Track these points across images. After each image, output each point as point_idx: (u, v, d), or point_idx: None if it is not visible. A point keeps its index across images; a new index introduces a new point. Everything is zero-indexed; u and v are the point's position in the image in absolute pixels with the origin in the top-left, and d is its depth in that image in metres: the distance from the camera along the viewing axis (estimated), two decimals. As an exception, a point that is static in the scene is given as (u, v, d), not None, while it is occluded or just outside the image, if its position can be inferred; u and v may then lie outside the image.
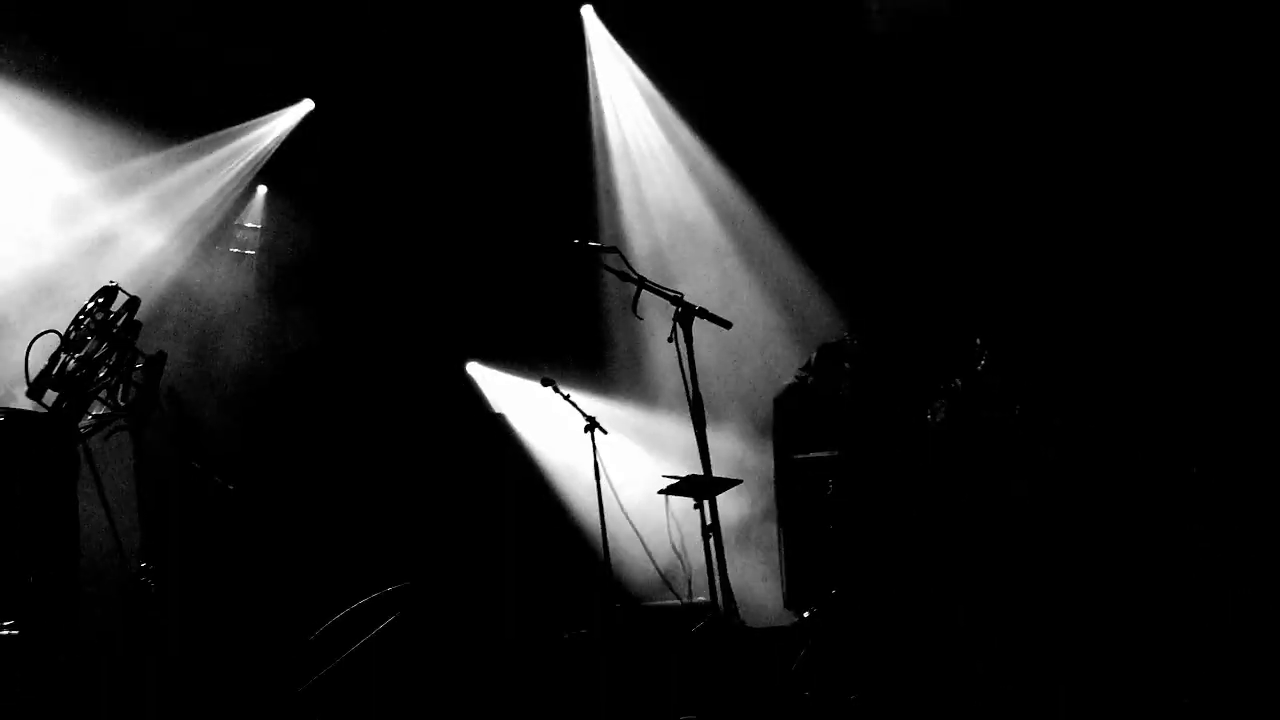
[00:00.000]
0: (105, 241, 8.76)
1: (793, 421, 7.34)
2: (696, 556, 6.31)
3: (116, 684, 5.37)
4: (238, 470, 6.02)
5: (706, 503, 5.97)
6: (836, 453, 6.98)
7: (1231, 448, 6.94)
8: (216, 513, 6.11)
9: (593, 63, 10.21)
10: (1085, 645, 6.04)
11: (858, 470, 6.95)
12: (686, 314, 5.87)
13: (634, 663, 6.30)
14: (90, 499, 4.37)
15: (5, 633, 3.97)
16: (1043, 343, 7.82)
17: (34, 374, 4.29)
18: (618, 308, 9.48)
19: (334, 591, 7.25)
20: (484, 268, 9.80)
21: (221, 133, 9.67)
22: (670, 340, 5.86)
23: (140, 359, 4.59)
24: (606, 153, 10.27)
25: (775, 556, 7.55)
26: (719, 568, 5.78)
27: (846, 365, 7.48)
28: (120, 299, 4.50)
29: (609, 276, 6.24)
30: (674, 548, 7.25)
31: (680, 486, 6.77)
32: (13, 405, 4.33)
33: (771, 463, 7.88)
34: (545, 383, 7.75)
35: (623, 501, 7.30)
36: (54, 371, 4.29)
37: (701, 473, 5.87)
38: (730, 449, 8.35)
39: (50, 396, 4.26)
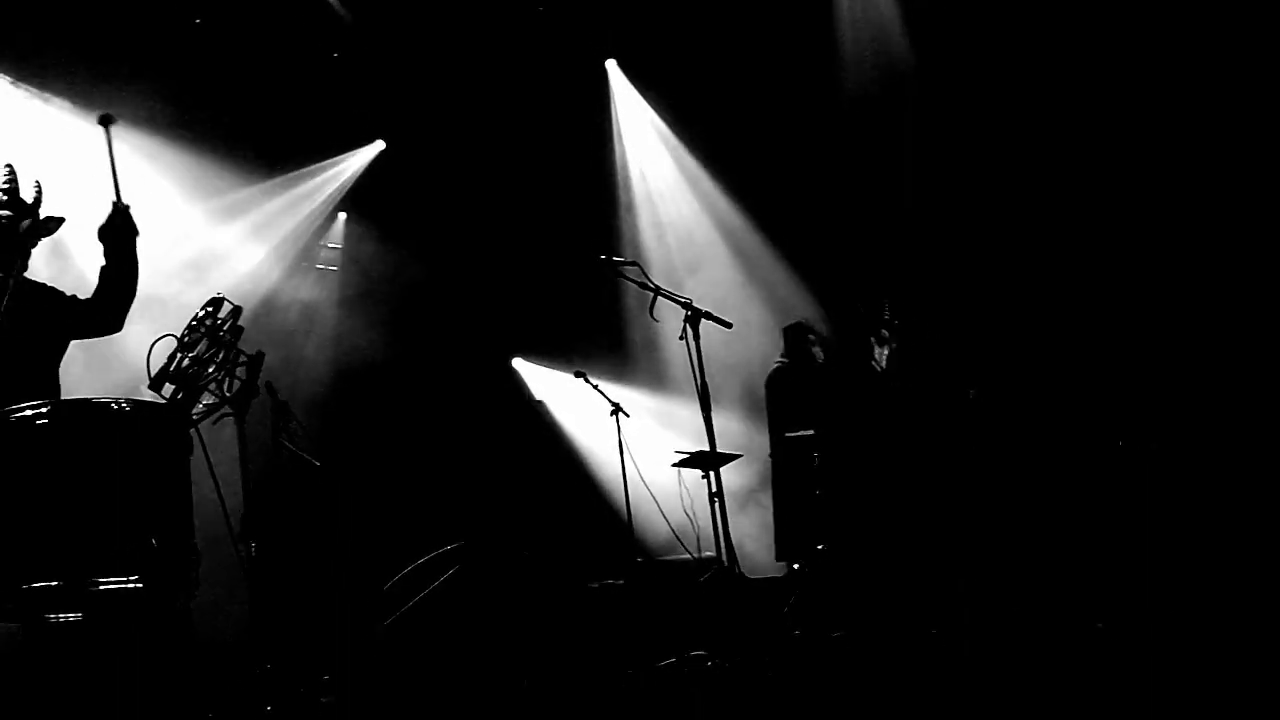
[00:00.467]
0: (213, 259, 8.78)
1: (781, 398, 7.32)
2: (704, 519, 6.31)
3: (225, 625, 5.40)
4: (322, 449, 6.03)
5: (712, 473, 5.98)
6: (818, 431, 6.95)
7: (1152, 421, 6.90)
8: (305, 484, 6.12)
9: (615, 106, 10.20)
10: (1024, 582, 6.03)
11: (836, 442, 6.92)
12: (694, 316, 5.87)
13: (652, 607, 6.30)
14: (201, 473, 4.37)
15: (132, 585, 3.97)
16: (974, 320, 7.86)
17: (154, 371, 4.29)
18: (637, 311, 9.45)
19: (403, 548, 7.28)
20: (526, 279, 9.81)
21: (310, 167, 9.69)
22: (681, 338, 5.86)
23: (242, 357, 4.59)
24: (627, 181, 10.27)
25: (770, 518, 7.53)
26: (723, 528, 5.78)
27: (811, 338, 7.46)
28: (226, 307, 4.49)
29: (630, 286, 6.23)
30: (685, 511, 7.24)
31: (690, 460, 6.77)
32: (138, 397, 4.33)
33: (766, 438, 7.87)
34: (577, 375, 7.76)
35: (642, 473, 7.30)
36: (171, 369, 4.29)
37: (708, 448, 5.87)
38: (731, 428, 8.32)
39: (168, 389, 4.26)
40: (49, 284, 4.85)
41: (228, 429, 4.58)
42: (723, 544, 5.81)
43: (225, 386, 4.50)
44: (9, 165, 4.62)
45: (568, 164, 9.79)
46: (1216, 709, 3.51)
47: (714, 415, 5.86)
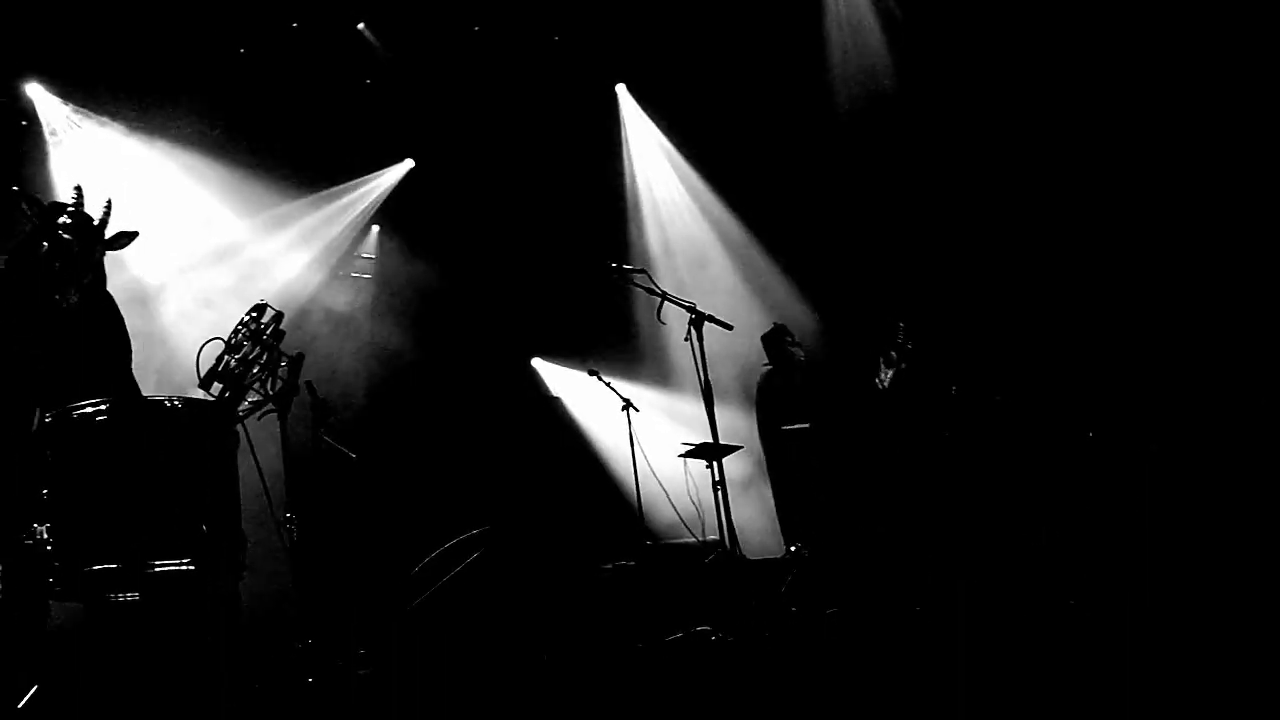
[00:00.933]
0: (257, 268, 8.80)
1: (771, 400, 7.30)
2: (708, 505, 6.30)
3: (270, 604, 5.40)
4: (358, 442, 6.03)
5: (716, 463, 5.96)
6: (809, 425, 6.94)
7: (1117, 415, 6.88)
8: (343, 475, 6.11)
9: (625, 126, 10.19)
10: (1002, 564, 6.00)
11: (826, 435, 6.91)
12: (698, 319, 5.86)
13: (660, 586, 6.28)
14: (247, 465, 4.38)
15: (185, 567, 3.98)
16: (963, 330, 7.82)
17: (204, 371, 4.29)
18: (645, 315, 9.44)
19: (431, 534, 7.27)
20: (543, 285, 9.80)
21: (346, 184, 9.70)
22: (686, 339, 5.85)
23: (284, 359, 4.59)
24: (636, 195, 10.26)
25: (768, 504, 7.52)
26: (725, 513, 5.77)
27: (788, 339, 7.41)
28: (269, 313, 4.50)
29: (639, 291, 6.22)
30: (691, 498, 7.23)
31: (695, 451, 6.76)
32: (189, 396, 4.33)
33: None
34: (591, 373, 7.74)
35: (650, 463, 7.28)
36: (219, 369, 4.30)
37: (711, 440, 5.85)
38: (733, 422, 8.31)
39: (216, 388, 4.27)
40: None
41: (271, 424, 4.58)
42: (725, 528, 5.79)
43: (269, 385, 4.50)
44: (77, 186, 4.60)
45: (581, 180, 9.79)
46: (1182, 675, 3.49)
47: (716, 410, 5.84)
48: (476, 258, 9.83)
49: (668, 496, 7.38)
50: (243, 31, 8.20)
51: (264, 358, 4.42)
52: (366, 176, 9.82)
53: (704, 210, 10.00)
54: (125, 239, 4.60)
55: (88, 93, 8.12)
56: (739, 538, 5.90)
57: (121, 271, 6.82)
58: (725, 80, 9.10)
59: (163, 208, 8.10)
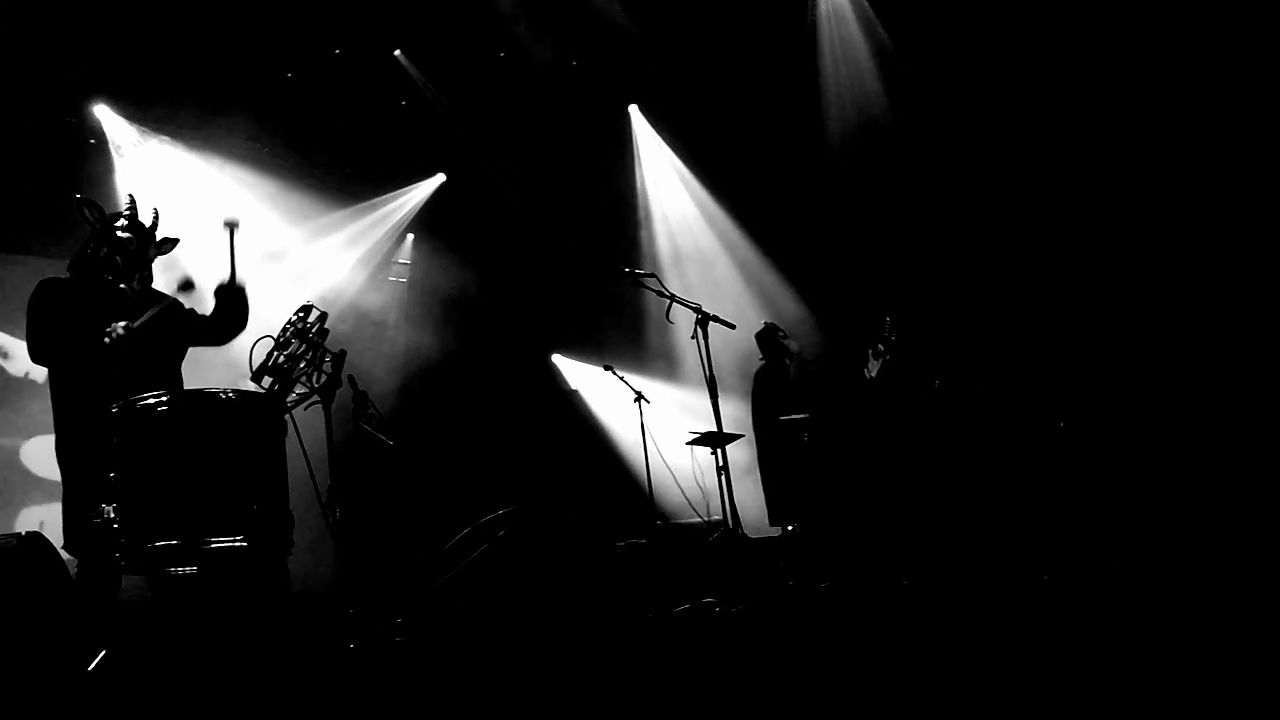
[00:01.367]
0: (305, 272, 8.83)
1: (766, 394, 7.26)
2: (712, 488, 6.30)
3: (316, 577, 5.42)
4: (395, 431, 6.03)
5: (719, 450, 5.96)
6: (805, 415, 6.91)
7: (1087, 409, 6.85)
8: (381, 461, 6.13)
9: (637, 143, 10.20)
10: (981, 542, 5.98)
11: (819, 425, 6.88)
12: (704, 319, 5.85)
13: (668, 562, 6.28)
14: (295, 451, 4.40)
15: (238, 544, 4.00)
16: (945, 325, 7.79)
17: (255, 366, 4.32)
18: (656, 315, 9.45)
19: (461, 514, 7.29)
20: (562, 288, 9.82)
21: (384, 196, 9.73)
22: (693, 338, 5.84)
23: (328, 355, 4.61)
24: (647, 206, 10.26)
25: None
26: (728, 496, 5.77)
27: (780, 334, 7.38)
28: (314, 313, 4.51)
29: (649, 294, 6.22)
30: (696, 482, 7.23)
31: (701, 439, 6.75)
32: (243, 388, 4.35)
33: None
34: (606, 368, 7.74)
35: (660, 450, 7.29)
36: (269, 364, 4.32)
37: (716, 429, 5.85)
38: (735, 412, 8.31)
39: (266, 381, 4.29)
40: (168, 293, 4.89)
41: (316, 415, 4.60)
42: (728, 509, 5.79)
43: (314, 379, 4.52)
44: (130, 195, 4.66)
45: (597, 192, 9.81)
46: (1145, 643, 3.48)
47: (720, 401, 5.83)
48: (502, 263, 9.86)
49: (675, 480, 7.38)
50: (290, 58, 8.24)
51: (310, 354, 4.44)
52: (403, 188, 9.85)
53: (710, 220, 10.00)
54: (170, 244, 4.69)
55: (150, 113, 8.18)
56: (741, 518, 5.90)
57: (173, 272, 6.84)
58: (729, 102, 9.10)
59: (217, 217, 8.13)
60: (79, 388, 4.32)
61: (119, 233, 4.53)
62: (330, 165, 9.04)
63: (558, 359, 10.44)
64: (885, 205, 8.67)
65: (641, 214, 10.22)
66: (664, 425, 7.97)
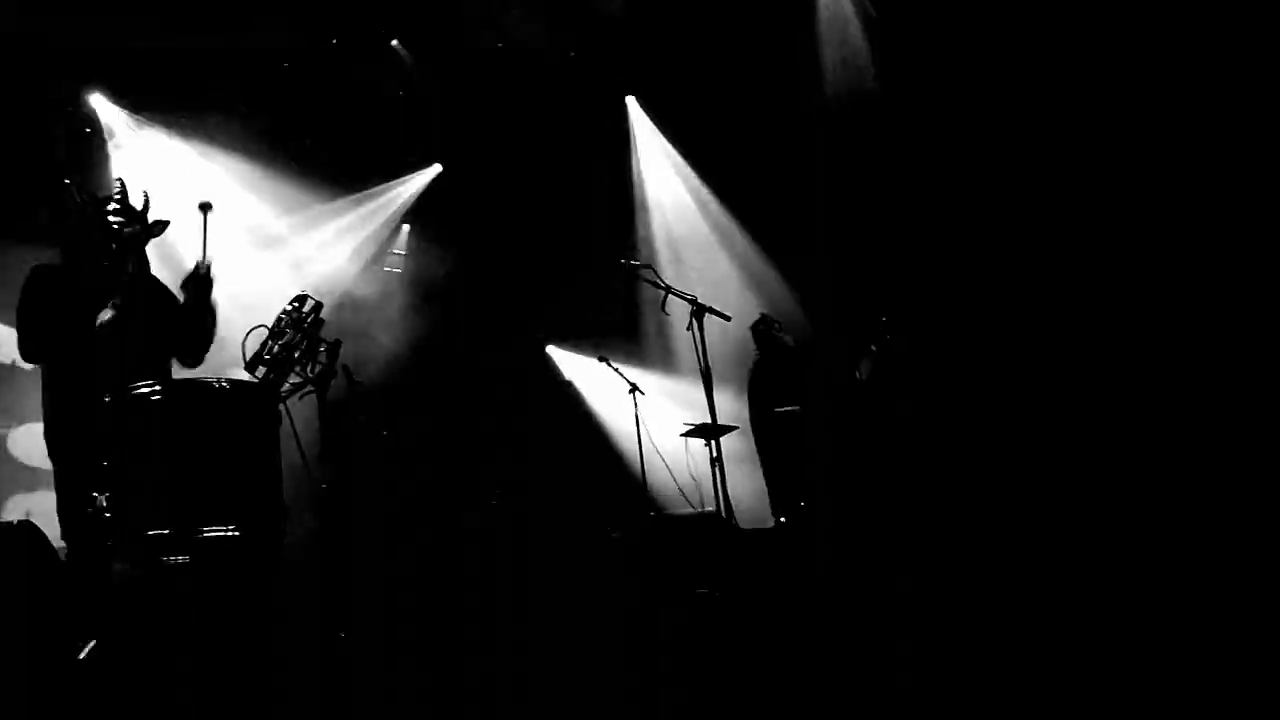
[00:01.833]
0: (299, 262, 8.79)
1: (759, 386, 7.24)
2: (706, 480, 6.29)
3: (309, 563, 5.40)
4: (389, 420, 6.03)
5: (714, 442, 5.95)
6: (798, 408, 6.91)
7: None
8: (375, 450, 6.12)
9: (634, 134, 10.17)
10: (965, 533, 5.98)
11: (812, 417, 6.87)
12: (699, 311, 5.84)
13: (663, 553, 6.28)
14: (289, 441, 4.37)
15: (231, 534, 3.98)
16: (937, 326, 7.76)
17: (249, 356, 4.29)
18: (651, 306, 9.43)
19: (454, 500, 7.30)
20: (558, 279, 9.79)
21: (380, 186, 9.69)
22: (688, 329, 5.84)
23: (323, 344, 4.58)
24: (644, 197, 10.23)
25: (759, 480, 7.50)
26: (722, 487, 5.77)
27: (776, 326, 7.31)
28: (309, 303, 4.48)
29: (645, 285, 6.20)
30: (690, 474, 7.23)
31: (695, 431, 6.75)
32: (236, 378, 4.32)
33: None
34: (600, 359, 7.74)
35: (655, 442, 7.28)
36: (263, 354, 4.29)
37: (710, 421, 5.84)
38: (729, 405, 8.30)
39: (260, 371, 4.26)
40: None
41: (311, 405, 4.58)
42: (722, 500, 5.79)
43: (308, 369, 4.50)
44: (119, 179, 4.62)
45: (593, 183, 9.77)
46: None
47: (715, 393, 5.82)
48: (497, 254, 9.83)
49: (670, 472, 7.38)
50: (287, 47, 8.20)
51: (304, 344, 4.41)
52: (400, 179, 9.81)
53: (705, 211, 9.97)
54: (161, 226, 4.62)
55: (146, 102, 8.12)
56: (734, 509, 5.89)
57: (175, 264, 6.81)
58: (725, 94, 9.06)
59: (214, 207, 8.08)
60: (71, 376, 4.29)
61: (111, 216, 4.49)
62: (327, 155, 8.99)
63: (552, 350, 10.41)
64: (879, 195, 8.63)
65: (637, 205, 10.19)
66: (658, 416, 7.95)
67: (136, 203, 4.62)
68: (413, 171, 9.87)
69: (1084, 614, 3.95)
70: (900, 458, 6.52)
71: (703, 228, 9.96)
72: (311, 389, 4.55)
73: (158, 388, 3.95)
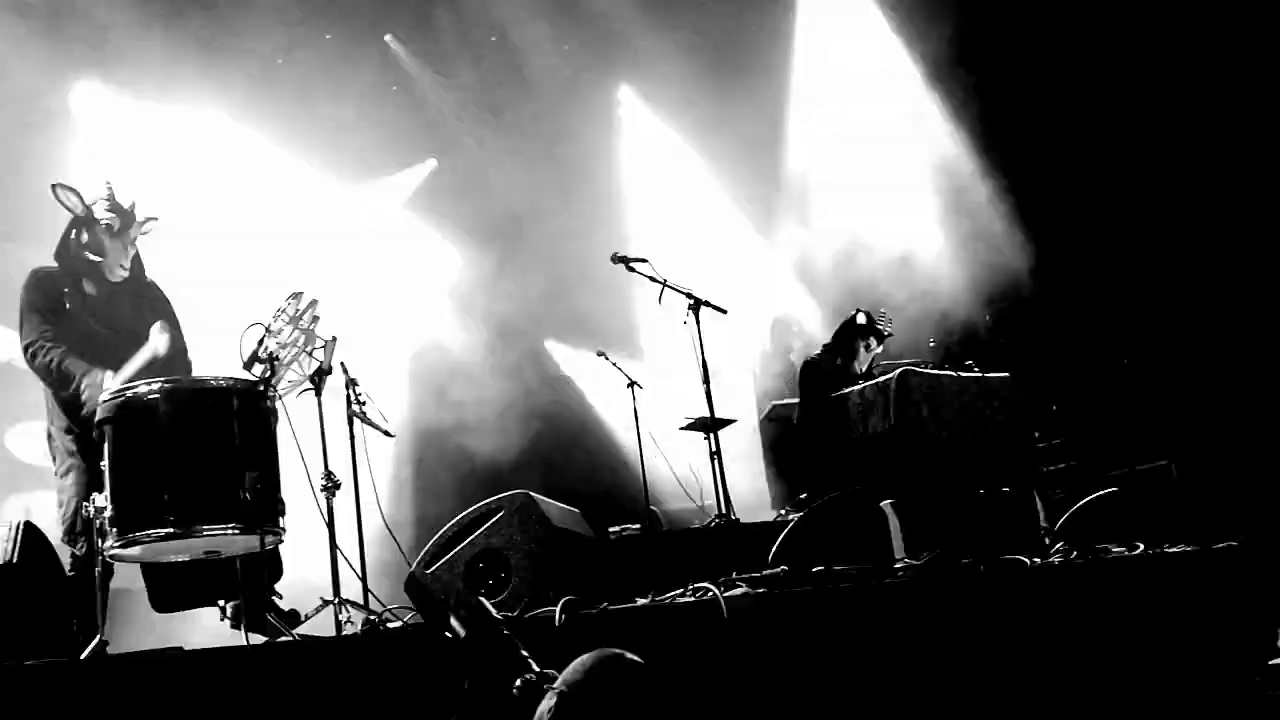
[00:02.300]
0: (294, 258, 8.76)
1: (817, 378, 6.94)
2: (705, 474, 6.29)
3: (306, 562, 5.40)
4: (388, 415, 6.00)
5: (712, 435, 5.95)
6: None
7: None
8: (374, 447, 6.09)
9: (628, 124, 10.18)
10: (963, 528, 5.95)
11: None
12: (696, 304, 5.84)
13: (663, 548, 6.28)
14: (286, 438, 4.38)
15: (230, 532, 3.99)
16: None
17: (246, 353, 4.29)
18: (648, 300, 9.43)
19: (458, 496, 7.30)
20: (556, 273, 9.78)
21: (375, 180, 9.69)
22: (685, 322, 5.83)
23: (320, 341, 4.58)
24: (639, 189, 10.22)
25: (759, 474, 7.52)
26: (722, 481, 5.77)
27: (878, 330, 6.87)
28: (306, 298, 4.48)
29: (642, 279, 6.20)
30: (690, 468, 7.23)
31: (694, 425, 6.75)
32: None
33: (754, 407, 7.83)
34: (599, 354, 7.73)
35: (653, 436, 7.28)
36: (259, 351, 4.29)
37: (708, 415, 5.85)
38: (727, 399, 8.30)
39: (257, 369, 4.26)
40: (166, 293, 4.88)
41: (308, 401, 4.58)
42: (721, 495, 5.79)
43: (305, 366, 4.49)
44: (108, 182, 4.65)
45: (588, 175, 9.78)
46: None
47: (712, 387, 5.82)
48: (495, 247, 9.82)
49: (669, 466, 7.38)
50: (282, 43, 8.19)
51: (301, 340, 4.41)
52: (393, 174, 9.79)
53: (702, 204, 9.97)
54: (150, 222, 4.66)
55: (140, 94, 8.08)
56: (733, 503, 5.89)
57: (168, 263, 6.80)
58: (716, 81, 9.09)
59: (207, 204, 8.07)
60: (70, 376, 4.31)
61: (99, 219, 4.50)
62: (322, 151, 8.97)
63: (551, 345, 10.41)
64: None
65: (634, 197, 10.19)
66: (657, 411, 7.95)
67: (124, 202, 4.63)
68: (408, 166, 9.86)
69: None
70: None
71: (699, 218, 9.95)
72: (309, 386, 4.54)
73: (155, 386, 3.96)
